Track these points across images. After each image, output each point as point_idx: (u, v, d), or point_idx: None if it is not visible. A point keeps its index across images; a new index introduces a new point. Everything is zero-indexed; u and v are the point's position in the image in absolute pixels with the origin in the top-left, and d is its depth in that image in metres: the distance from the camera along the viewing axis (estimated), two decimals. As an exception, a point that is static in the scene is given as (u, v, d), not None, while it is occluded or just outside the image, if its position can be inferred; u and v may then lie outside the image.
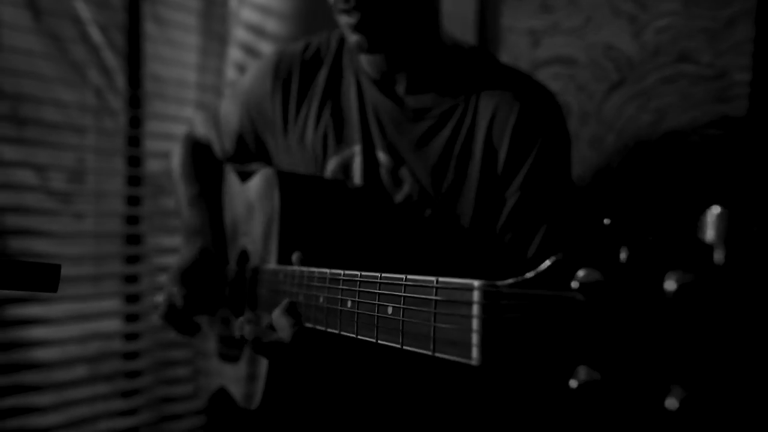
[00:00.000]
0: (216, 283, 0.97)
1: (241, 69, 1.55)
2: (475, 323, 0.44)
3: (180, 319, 0.94)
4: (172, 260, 1.50)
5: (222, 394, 1.00)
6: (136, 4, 1.47)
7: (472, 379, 0.79)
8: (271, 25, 1.52)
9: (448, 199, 0.89)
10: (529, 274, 0.42)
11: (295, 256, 0.74)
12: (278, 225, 0.82)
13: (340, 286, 0.63)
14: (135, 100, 1.47)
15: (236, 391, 0.92)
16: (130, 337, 1.47)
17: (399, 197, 0.91)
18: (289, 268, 0.75)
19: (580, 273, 0.37)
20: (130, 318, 1.47)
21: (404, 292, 0.52)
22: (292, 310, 0.70)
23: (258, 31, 1.54)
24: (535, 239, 0.86)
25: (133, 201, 1.47)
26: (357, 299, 0.60)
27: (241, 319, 0.76)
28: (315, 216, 0.84)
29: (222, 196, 1.11)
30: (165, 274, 1.49)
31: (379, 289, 0.56)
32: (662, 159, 1.09)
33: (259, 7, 1.54)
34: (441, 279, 0.48)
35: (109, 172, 1.47)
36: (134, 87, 1.47)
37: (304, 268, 0.71)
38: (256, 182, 0.93)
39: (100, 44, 1.43)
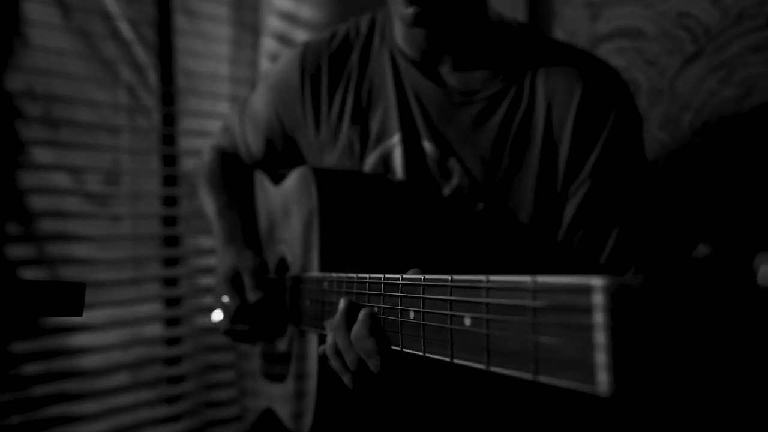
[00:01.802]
0: (267, 286, 0.89)
1: (276, 59, 1.48)
2: (599, 336, 0.32)
3: (245, 327, 0.87)
4: (211, 261, 1.46)
5: (269, 414, 0.93)
6: (166, -3, 1.41)
7: (588, 410, 0.69)
8: (305, 11, 1.45)
9: (503, 191, 0.80)
10: (658, 271, 0.32)
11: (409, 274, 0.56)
12: (318, 226, 0.73)
13: (399, 293, 0.53)
14: (168, 96, 1.42)
15: (283, 411, 0.85)
16: (172, 341, 1.43)
17: (447, 190, 0.82)
18: (335, 274, 0.66)
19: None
20: (171, 322, 1.43)
21: (487, 298, 0.41)
22: (375, 328, 0.56)
23: (292, 18, 1.46)
24: (611, 235, 0.76)
25: (169, 201, 1.43)
26: (422, 308, 0.49)
27: (321, 347, 0.64)
28: (357, 215, 0.76)
29: (254, 202, 1.03)
30: (204, 276, 1.46)
31: (451, 295, 0.45)
32: (750, 139, 0.97)
33: (292, -7, 1.46)
34: (540, 279, 0.37)
35: (145, 173, 1.43)
36: (167, 83, 1.42)
37: (353, 274, 0.61)
38: (290, 182, 0.85)
39: (130, 40, 1.38)
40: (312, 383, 0.73)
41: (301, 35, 1.44)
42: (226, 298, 0.85)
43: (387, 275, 0.55)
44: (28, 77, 1.21)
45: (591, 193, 0.77)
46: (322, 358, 0.67)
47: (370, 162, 0.87)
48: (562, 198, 0.79)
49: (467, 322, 0.43)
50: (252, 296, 0.83)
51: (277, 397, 0.89)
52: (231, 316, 0.85)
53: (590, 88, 0.78)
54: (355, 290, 0.60)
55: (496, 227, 0.80)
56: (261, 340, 0.92)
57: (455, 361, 0.45)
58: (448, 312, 0.45)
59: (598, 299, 0.32)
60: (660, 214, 0.79)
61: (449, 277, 0.45)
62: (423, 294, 0.49)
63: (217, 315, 0.87)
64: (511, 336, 0.39)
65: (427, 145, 0.83)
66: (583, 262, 0.77)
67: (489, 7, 0.84)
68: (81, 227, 1.28)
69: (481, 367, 0.41)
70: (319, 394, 0.72)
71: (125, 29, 1.37)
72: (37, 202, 1.22)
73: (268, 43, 1.50)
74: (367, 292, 0.58)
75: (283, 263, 0.90)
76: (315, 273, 0.72)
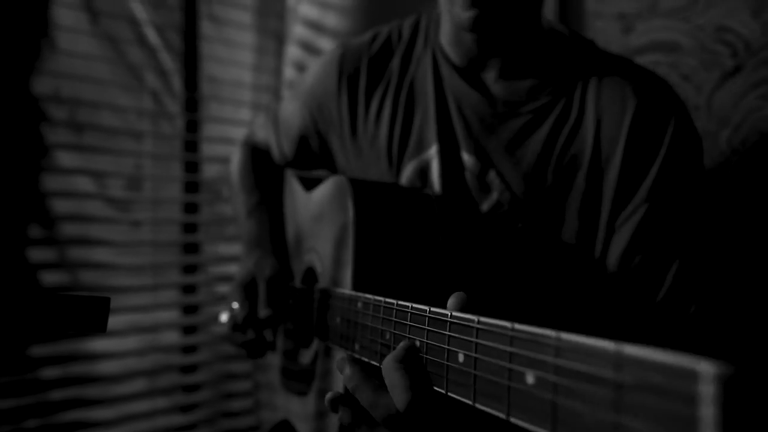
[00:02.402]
0: (281, 300, 0.87)
1: (300, 67, 1.47)
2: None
3: (245, 337, 0.85)
4: (230, 269, 1.45)
5: (285, 426, 0.91)
6: (193, 4, 1.41)
7: None
8: (331, 20, 1.44)
9: (545, 210, 0.76)
10: None
11: (453, 300, 0.50)
12: (353, 242, 0.70)
13: (447, 331, 0.47)
14: (192, 102, 1.42)
15: (303, 428, 0.83)
16: (188, 349, 1.41)
17: (486, 205, 0.79)
18: (371, 296, 0.62)
19: None
20: (188, 330, 1.42)
21: (555, 358, 0.35)
22: (410, 363, 0.49)
23: (317, 27, 1.46)
24: (671, 267, 0.71)
25: (190, 208, 1.42)
26: (474, 353, 0.43)
27: (347, 372, 0.56)
28: (394, 231, 0.73)
29: (284, 205, 1.02)
30: (223, 285, 1.45)
31: (512, 346, 0.39)
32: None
33: (318, 1, 1.45)
34: (627, 350, 0.30)
35: (167, 179, 1.42)
36: (191, 89, 1.42)
37: (393, 300, 0.57)
38: (324, 191, 0.82)
39: (156, 46, 1.38)
40: (339, 384, 0.70)
41: (326, 43, 1.43)
42: (236, 305, 0.83)
43: (433, 308, 0.50)
44: (54, 81, 1.21)
45: (648, 218, 0.72)
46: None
47: (407, 173, 0.84)
48: (611, 221, 0.74)
49: (530, 380, 0.37)
50: (262, 312, 0.81)
51: (296, 413, 0.86)
52: (234, 323, 0.83)
53: (645, 105, 0.73)
54: (394, 318, 0.56)
55: (537, 247, 0.76)
56: (258, 356, 0.89)
57: (512, 419, 0.39)
58: (507, 364, 0.40)
59: (707, 389, 0.27)
60: (716, 241, 0.74)
61: (510, 325, 0.40)
62: (476, 338, 0.44)
63: (224, 317, 0.86)
64: (585, 410, 0.33)
65: (467, 157, 0.80)
66: (638, 292, 0.72)
67: (543, 14, 0.81)
68: (102, 232, 1.28)
69: None
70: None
71: (152, 35, 1.37)
72: (60, 206, 1.22)
73: (292, 51, 1.50)
74: (408, 323, 0.54)
75: (311, 273, 0.87)
76: (347, 290, 0.69)
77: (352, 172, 0.91)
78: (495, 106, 0.79)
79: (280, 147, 1.01)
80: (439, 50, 0.84)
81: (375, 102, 0.87)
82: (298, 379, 0.87)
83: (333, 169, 0.97)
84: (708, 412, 0.27)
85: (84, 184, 1.30)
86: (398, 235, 0.73)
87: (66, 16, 1.23)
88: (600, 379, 0.32)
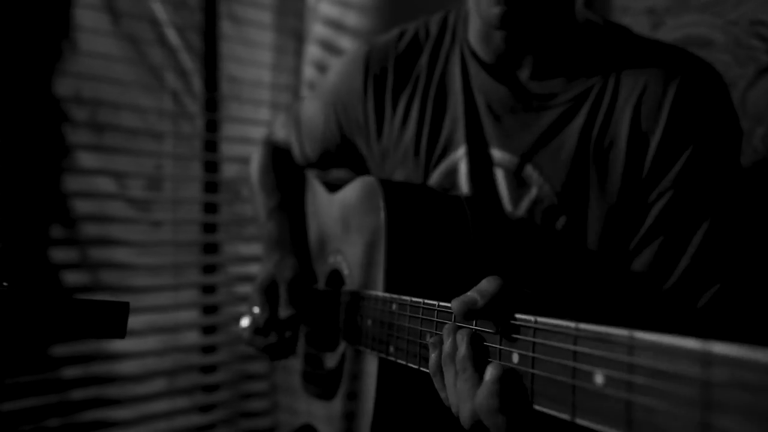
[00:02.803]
0: (303, 301, 0.86)
1: (320, 67, 1.46)
2: None
3: (267, 341, 0.83)
4: (250, 270, 1.44)
5: (307, 429, 0.90)
6: (213, 4, 1.41)
7: None
8: (351, 18, 1.42)
9: (587, 201, 0.73)
10: None
11: (488, 281, 0.49)
12: (385, 244, 0.68)
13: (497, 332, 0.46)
14: (212, 103, 1.41)
15: (326, 429, 0.81)
16: (208, 349, 1.41)
17: (525, 202, 0.76)
18: (407, 297, 0.61)
19: None
20: (208, 330, 1.42)
21: (630, 357, 0.34)
22: (508, 385, 0.44)
23: (337, 25, 1.44)
24: (688, 250, 0.69)
25: (210, 208, 1.42)
26: (531, 353, 0.42)
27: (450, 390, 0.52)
28: (426, 234, 0.71)
29: (305, 207, 1.00)
30: (243, 285, 1.44)
31: (576, 344, 0.38)
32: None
33: (339, 0, 1.44)
34: (716, 348, 0.29)
35: (187, 179, 1.42)
36: (211, 90, 1.42)
37: (434, 302, 0.56)
38: (351, 193, 0.80)
39: (177, 46, 1.39)
40: (368, 404, 0.69)
41: (346, 43, 1.41)
42: (256, 309, 0.82)
43: None
44: (76, 82, 1.22)
45: (672, 204, 0.69)
46: (383, 381, 0.61)
47: (435, 175, 0.82)
48: (643, 206, 0.71)
49: (599, 380, 0.36)
50: (284, 312, 0.79)
51: (320, 417, 0.85)
52: (256, 327, 0.82)
53: (687, 85, 0.69)
54: (436, 318, 0.55)
55: (583, 245, 0.73)
56: (282, 357, 0.88)
57: (578, 420, 0.38)
58: (572, 363, 0.38)
59: None
60: (743, 234, 0.71)
61: (573, 325, 0.38)
62: (534, 337, 0.42)
63: (245, 322, 0.85)
64: (666, 408, 0.31)
65: (499, 155, 0.77)
66: (651, 277, 0.70)
67: (576, 6, 0.77)
68: (123, 232, 1.28)
69: None
70: (377, 415, 0.68)
71: (172, 35, 1.38)
72: (81, 207, 1.23)
73: (312, 51, 1.48)
74: (452, 323, 0.52)
75: (336, 275, 0.85)
76: (380, 293, 0.68)
77: (377, 174, 0.89)
78: (527, 101, 0.77)
79: (302, 148, 0.99)
80: (467, 48, 0.81)
81: (402, 103, 0.85)
82: (322, 383, 0.86)
83: (356, 170, 0.95)
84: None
85: (105, 184, 1.31)
86: (430, 237, 0.71)
87: (87, 17, 1.24)
88: (685, 377, 0.31)
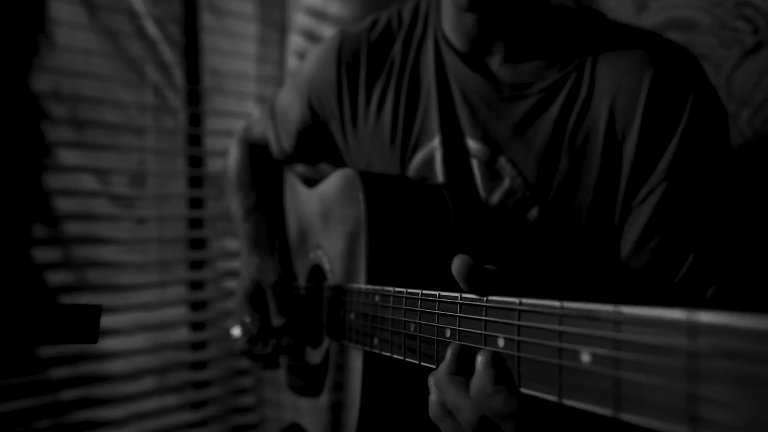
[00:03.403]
0: (291, 305, 0.84)
1: (303, 57, 1.44)
2: None
3: (265, 350, 0.83)
4: (237, 265, 1.43)
5: (294, 429, 0.89)
6: (192, -6, 1.38)
7: None
8: (334, 8, 1.40)
9: (561, 194, 0.72)
10: None
11: (458, 263, 0.47)
12: (366, 236, 0.68)
13: (484, 316, 0.45)
14: (194, 96, 1.39)
15: (313, 422, 0.81)
16: (197, 346, 1.40)
17: (497, 194, 0.75)
18: (390, 288, 0.60)
19: None
20: (197, 326, 1.41)
21: (615, 332, 0.33)
22: (502, 376, 0.42)
23: (320, 15, 1.42)
24: (691, 250, 0.67)
25: (195, 203, 1.40)
26: (516, 336, 0.41)
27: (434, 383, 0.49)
28: (407, 224, 0.70)
29: (284, 204, 0.99)
30: (231, 280, 1.43)
31: (561, 324, 0.37)
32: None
33: (320, -11, 1.42)
34: (703, 317, 0.29)
35: (171, 174, 1.40)
36: (193, 83, 1.39)
37: (417, 290, 0.55)
38: (330, 186, 0.79)
39: (156, 39, 1.36)
40: (354, 399, 0.68)
41: (329, 32, 1.39)
42: (247, 318, 0.81)
43: (464, 294, 0.48)
44: (54, 78, 1.19)
45: (667, 198, 0.67)
46: (368, 374, 0.60)
47: (413, 165, 0.81)
48: (626, 200, 0.70)
49: (585, 358, 0.36)
50: (276, 321, 0.79)
51: (306, 410, 0.84)
52: (250, 337, 0.81)
53: (662, 73, 0.68)
54: (419, 308, 0.55)
55: (554, 234, 0.72)
56: (277, 367, 0.88)
57: (565, 401, 0.37)
58: (557, 344, 0.38)
59: None
60: (739, 221, 0.69)
61: (559, 304, 0.38)
62: (519, 320, 0.41)
63: (236, 332, 0.84)
64: (654, 382, 0.31)
65: (474, 145, 0.76)
66: (655, 276, 0.69)
67: None
68: (107, 230, 1.26)
69: (608, 413, 0.34)
70: (363, 409, 0.67)
71: (151, 28, 1.35)
72: (64, 205, 1.21)
73: (295, 41, 1.46)
74: (437, 311, 0.52)
75: (317, 270, 0.85)
76: (363, 285, 0.67)
77: (354, 165, 0.88)
78: (501, 90, 0.76)
79: (279, 141, 0.98)
80: (441, 35, 0.80)
81: (376, 92, 0.84)
82: (307, 378, 0.85)
83: (335, 162, 0.94)
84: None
85: (87, 181, 1.29)
86: (411, 228, 0.70)
87: (63, 10, 1.21)
88: (671, 349, 0.30)
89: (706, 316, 0.29)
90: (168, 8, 1.36)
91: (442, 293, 0.52)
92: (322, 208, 0.82)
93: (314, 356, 0.83)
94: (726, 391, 0.28)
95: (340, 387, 0.73)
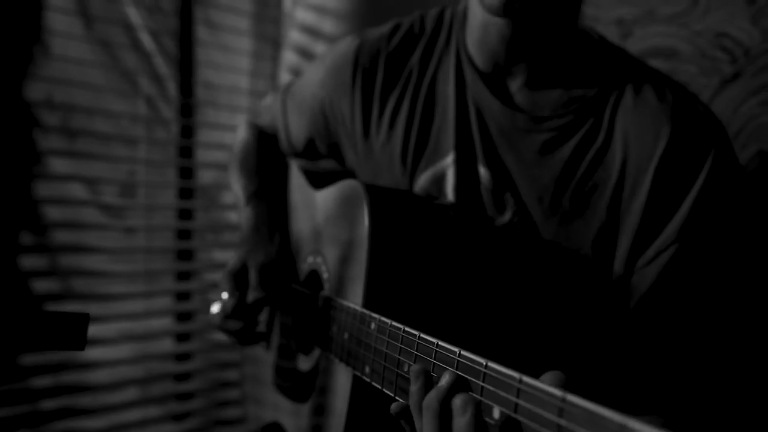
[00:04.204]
0: (274, 286, 0.84)
1: (296, 73, 1.46)
2: None
3: (237, 325, 0.82)
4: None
5: (275, 428, 0.89)
6: (188, 9, 1.40)
7: None
8: (327, 25, 1.43)
9: (558, 237, 0.70)
10: None
11: (551, 377, 0.42)
12: (368, 258, 0.66)
13: (482, 381, 0.44)
14: (187, 108, 1.41)
15: (294, 424, 0.81)
16: (182, 357, 1.40)
17: (498, 225, 0.74)
18: (387, 320, 0.58)
19: None
20: (182, 337, 1.41)
21: (559, 418, 0.36)
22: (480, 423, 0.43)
23: (313, 32, 1.45)
24: (699, 314, 0.65)
25: (184, 215, 1.41)
26: (513, 414, 0.41)
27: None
28: (410, 246, 0.68)
29: (287, 196, 0.97)
30: (217, 292, 1.43)
31: (561, 417, 0.37)
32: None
33: (315, 7, 1.44)
34: (629, 424, 0.31)
35: (161, 185, 1.41)
36: (186, 95, 1.41)
37: (415, 332, 0.53)
38: (335, 194, 0.78)
39: (151, 51, 1.38)
40: (341, 409, 0.68)
41: (322, 49, 1.42)
42: (225, 294, 0.81)
43: (463, 352, 0.47)
44: (48, 87, 1.20)
45: (676, 260, 0.64)
46: (356, 394, 0.61)
47: (422, 181, 0.79)
48: (631, 258, 0.67)
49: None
50: (251, 295, 0.79)
51: (286, 409, 0.84)
52: (225, 313, 0.81)
53: (680, 133, 0.66)
54: (415, 351, 0.53)
55: (547, 274, 0.71)
56: (253, 343, 0.87)
57: None
58: (555, 418, 0.37)
59: None
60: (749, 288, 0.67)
61: (562, 396, 0.37)
62: (517, 398, 0.41)
63: (215, 308, 0.84)
64: None
65: (483, 171, 0.74)
66: (659, 341, 0.66)
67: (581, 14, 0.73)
68: (95, 239, 1.27)
69: None
70: (349, 421, 0.66)
71: (146, 40, 1.37)
72: (53, 213, 1.21)
73: (288, 57, 1.49)
74: (433, 360, 0.50)
75: (315, 276, 0.83)
76: (359, 308, 0.66)
77: (361, 174, 0.87)
78: (516, 118, 0.74)
79: (288, 137, 0.96)
80: (463, 51, 0.78)
81: (391, 103, 0.81)
82: (293, 382, 0.85)
83: (343, 163, 0.93)
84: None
85: (77, 190, 1.29)
86: (414, 251, 0.69)
87: (60, 21, 1.22)
88: None
89: (636, 425, 0.31)
90: (163, 21, 1.38)
91: (441, 343, 0.50)
92: (324, 216, 0.80)
93: (305, 362, 0.83)
94: None
95: (327, 397, 0.73)
